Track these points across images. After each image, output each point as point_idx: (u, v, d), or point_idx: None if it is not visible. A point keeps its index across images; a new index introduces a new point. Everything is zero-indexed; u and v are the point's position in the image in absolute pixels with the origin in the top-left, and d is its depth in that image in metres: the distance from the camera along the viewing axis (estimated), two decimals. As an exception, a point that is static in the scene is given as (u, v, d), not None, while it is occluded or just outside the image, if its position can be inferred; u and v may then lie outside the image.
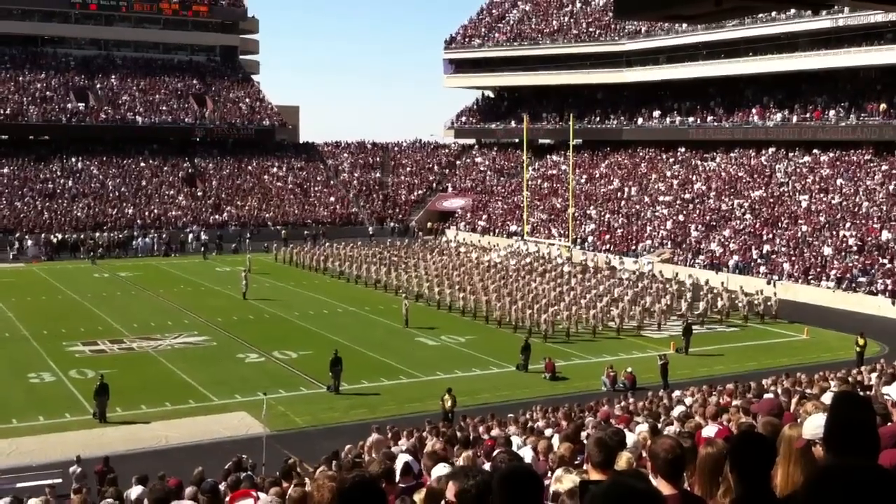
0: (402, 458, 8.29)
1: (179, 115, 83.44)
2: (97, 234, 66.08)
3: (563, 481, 5.40)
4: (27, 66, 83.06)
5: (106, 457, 20.74)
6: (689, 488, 4.91)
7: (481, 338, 37.50)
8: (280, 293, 48.48)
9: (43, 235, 64.93)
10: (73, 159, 76.30)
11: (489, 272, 49.42)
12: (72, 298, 46.77)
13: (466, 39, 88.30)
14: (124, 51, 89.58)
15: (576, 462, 8.40)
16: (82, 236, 65.48)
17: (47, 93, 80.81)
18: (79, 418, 26.34)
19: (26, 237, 64.21)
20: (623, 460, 6.04)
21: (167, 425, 25.94)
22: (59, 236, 65.28)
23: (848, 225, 50.49)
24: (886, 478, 1.89)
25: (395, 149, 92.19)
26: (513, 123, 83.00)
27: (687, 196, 62.83)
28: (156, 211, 72.36)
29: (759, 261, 50.40)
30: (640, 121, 75.21)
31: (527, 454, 10.71)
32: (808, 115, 62.48)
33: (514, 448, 11.86)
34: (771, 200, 57.09)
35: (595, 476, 4.85)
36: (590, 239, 61.68)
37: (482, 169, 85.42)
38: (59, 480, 20.31)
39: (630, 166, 71.99)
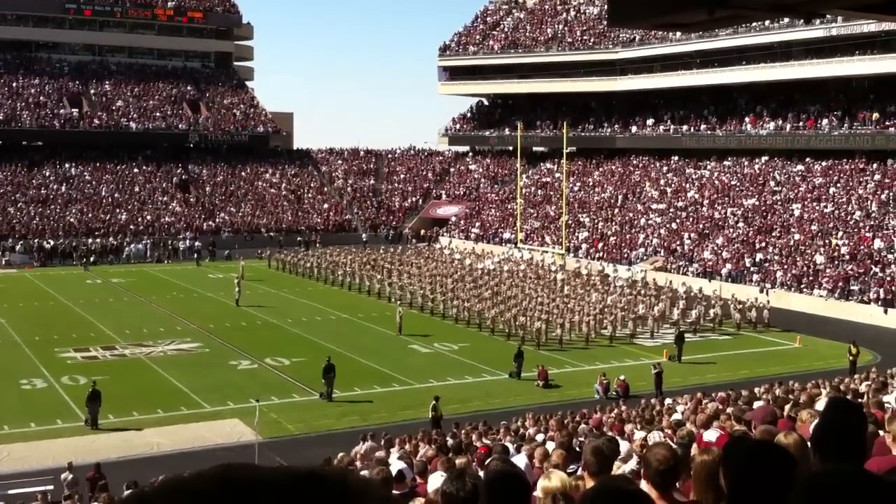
0: (396, 466, 8.28)
1: (173, 121, 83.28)
2: (90, 241, 65.89)
3: (551, 479, 5.40)
4: (21, 72, 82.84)
5: (97, 463, 20.66)
6: (683, 495, 4.91)
7: (474, 345, 37.46)
8: (273, 300, 48.40)
9: (35, 241, 64.73)
10: (67, 165, 76.11)
11: (483, 279, 49.44)
12: (64, 305, 46.63)
13: (461, 47, 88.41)
14: (118, 56, 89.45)
15: (569, 470, 8.40)
16: (75, 242, 65.31)
17: (41, 98, 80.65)
18: (71, 425, 26.24)
19: (18, 244, 63.85)
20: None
21: (159, 432, 25.85)
22: (52, 242, 65.10)
23: (840, 234, 50.64)
24: (873, 482, 1.89)
25: (389, 156, 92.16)
26: (507, 131, 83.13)
27: (680, 204, 62.94)
28: (149, 217, 72.19)
29: (751, 269, 50.49)
30: (633, 129, 75.39)
31: (521, 461, 10.70)
32: (801, 124, 62.69)
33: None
34: (764, 209, 57.22)
35: (591, 484, 4.86)
36: (583, 247, 61.74)
37: (476, 176, 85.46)
38: (51, 487, 20.27)
39: (623, 174, 72.12)
